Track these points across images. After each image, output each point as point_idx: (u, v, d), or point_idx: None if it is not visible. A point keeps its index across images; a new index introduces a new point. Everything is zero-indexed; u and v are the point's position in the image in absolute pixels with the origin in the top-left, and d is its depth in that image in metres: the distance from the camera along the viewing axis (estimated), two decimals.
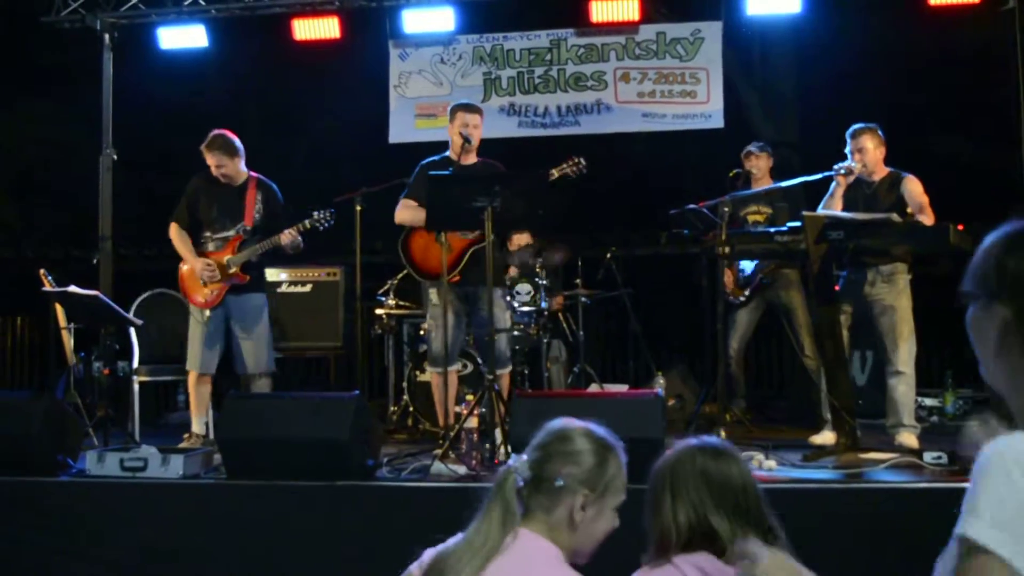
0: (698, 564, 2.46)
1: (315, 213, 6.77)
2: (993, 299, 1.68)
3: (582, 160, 6.57)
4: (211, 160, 6.85)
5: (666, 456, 2.63)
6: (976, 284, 1.73)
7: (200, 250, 6.86)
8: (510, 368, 6.75)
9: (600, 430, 2.56)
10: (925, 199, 6.45)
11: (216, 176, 6.87)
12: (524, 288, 8.09)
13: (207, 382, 6.91)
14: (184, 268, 6.87)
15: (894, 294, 6.48)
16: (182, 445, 6.41)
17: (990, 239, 1.75)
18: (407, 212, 6.55)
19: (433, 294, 6.52)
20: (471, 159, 6.64)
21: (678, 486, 2.54)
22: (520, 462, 2.49)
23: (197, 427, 6.81)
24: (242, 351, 6.85)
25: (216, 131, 6.93)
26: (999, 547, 1.48)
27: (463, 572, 2.37)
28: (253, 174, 6.98)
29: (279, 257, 7.09)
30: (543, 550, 2.41)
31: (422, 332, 8.28)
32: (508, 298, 7.30)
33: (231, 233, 6.85)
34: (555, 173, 6.55)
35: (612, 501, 2.48)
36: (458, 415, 6.18)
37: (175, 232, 6.90)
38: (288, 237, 6.68)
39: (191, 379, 6.87)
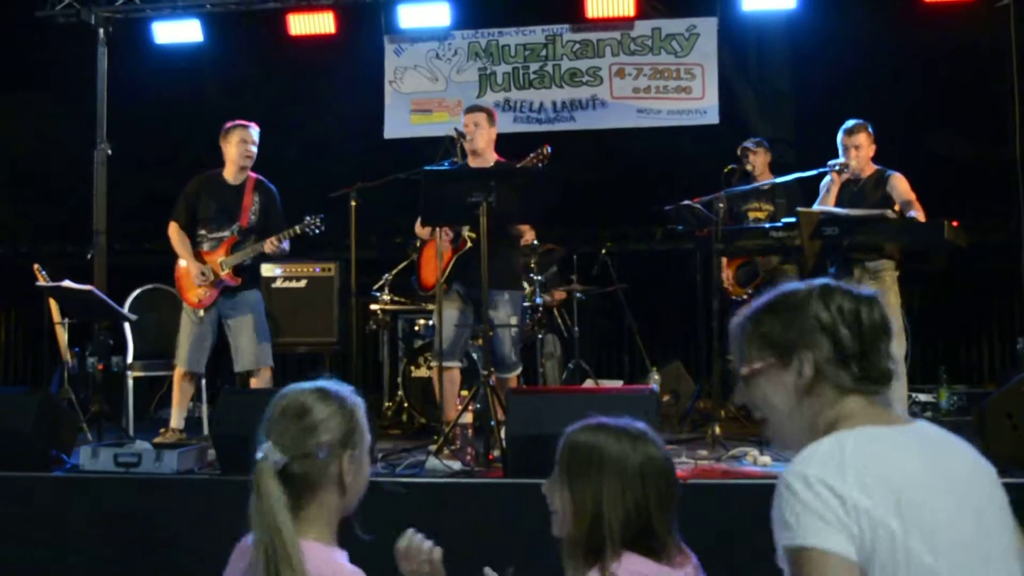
0: (641, 572, 2.32)
1: (306, 218, 6.82)
2: (793, 354, 2.03)
3: (547, 148, 6.50)
4: (249, 137, 6.88)
5: (586, 440, 2.43)
6: (770, 350, 2.07)
7: (195, 248, 6.86)
8: (518, 371, 6.70)
9: (329, 385, 2.44)
10: (913, 195, 6.44)
11: (241, 160, 6.88)
12: None
13: (193, 379, 6.94)
14: (181, 266, 6.87)
15: (881, 291, 6.45)
16: (157, 440, 6.38)
17: (752, 311, 2.12)
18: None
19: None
20: (482, 161, 6.58)
21: (614, 480, 2.35)
22: (267, 448, 2.32)
23: (176, 422, 6.80)
24: (241, 347, 6.85)
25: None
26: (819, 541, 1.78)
27: None
28: (253, 175, 6.99)
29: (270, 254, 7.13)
30: (312, 554, 2.27)
31: (417, 328, 8.29)
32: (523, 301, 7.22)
33: (226, 234, 6.85)
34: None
35: (364, 450, 2.43)
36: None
37: (175, 232, 6.90)
38: (271, 246, 6.72)
39: (177, 375, 6.87)
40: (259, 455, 2.30)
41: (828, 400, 2.02)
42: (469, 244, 6.33)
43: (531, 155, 6.50)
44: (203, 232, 6.89)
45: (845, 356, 2.01)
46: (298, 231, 6.81)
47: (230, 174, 6.95)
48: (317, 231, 6.87)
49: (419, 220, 6.51)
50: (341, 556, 2.36)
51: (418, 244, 6.88)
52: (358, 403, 2.44)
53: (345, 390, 2.45)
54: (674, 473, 2.44)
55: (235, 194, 6.91)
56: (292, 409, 2.37)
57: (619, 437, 2.42)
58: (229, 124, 6.96)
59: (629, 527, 2.33)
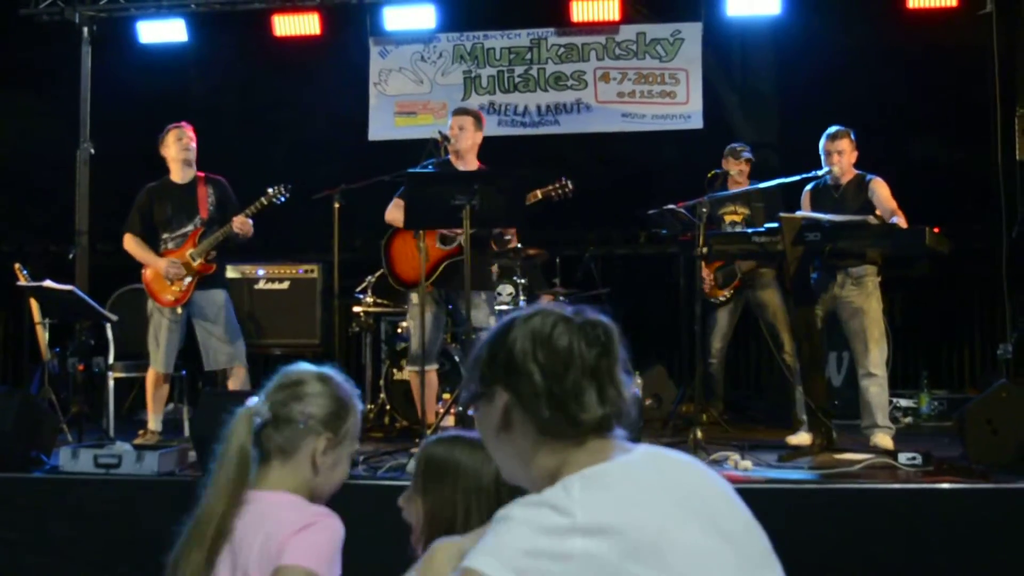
0: None
1: (269, 189, 6.86)
2: (493, 388, 1.84)
3: (569, 183, 6.55)
4: (184, 134, 6.93)
5: (441, 453, 2.47)
6: (478, 382, 1.89)
7: (159, 253, 6.87)
8: None
9: (338, 376, 2.52)
10: (894, 202, 6.48)
11: (182, 154, 6.91)
12: (505, 289, 8.10)
13: (166, 380, 6.96)
14: (147, 272, 6.87)
15: (863, 296, 6.49)
16: (136, 442, 6.37)
17: (483, 340, 1.92)
18: (396, 212, 6.52)
19: (414, 295, 6.53)
20: (464, 164, 6.57)
21: (469, 491, 2.39)
22: (258, 402, 2.43)
23: (154, 424, 6.82)
24: (213, 347, 6.86)
25: None
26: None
27: (194, 549, 2.33)
28: (200, 173, 7.03)
29: (248, 251, 7.12)
30: (284, 499, 2.37)
31: (400, 330, 8.28)
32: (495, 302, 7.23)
33: (189, 229, 6.88)
34: (538, 195, 6.55)
35: (349, 448, 2.48)
36: (438, 414, 6.18)
37: (131, 241, 6.91)
38: (240, 223, 6.75)
39: (152, 377, 6.87)
40: (249, 403, 2.41)
41: (527, 445, 1.82)
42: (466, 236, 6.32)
43: (552, 185, 6.51)
44: (165, 235, 6.92)
45: (534, 395, 1.79)
46: (265, 203, 6.84)
47: (176, 175, 6.99)
48: (283, 199, 6.88)
49: (392, 206, 6.54)
50: (309, 503, 2.40)
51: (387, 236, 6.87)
52: (353, 403, 2.50)
53: (349, 386, 2.52)
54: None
55: (188, 192, 6.95)
56: (290, 378, 2.47)
57: (473, 449, 2.44)
58: (166, 128, 7.03)
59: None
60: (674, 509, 1.69)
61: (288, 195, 6.89)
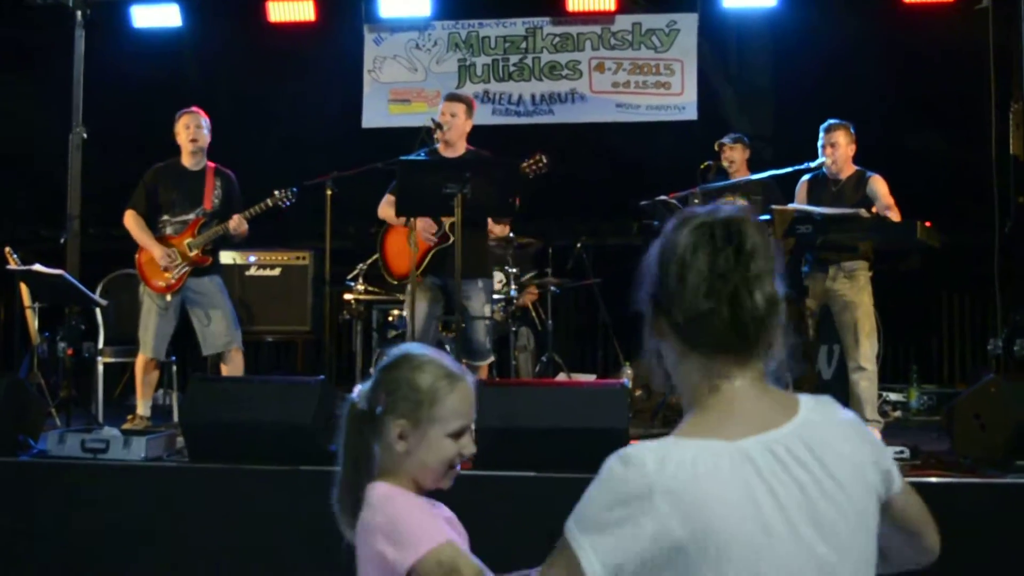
0: None
1: (276, 192, 6.90)
2: (643, 304, 1.78)
3: (543, 159, 6.53)
4: (191, 121, 6.92)
5: None
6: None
7: (158, 234, 6.86)
8: (491, 360, 6.69)
9: (448, 361, 2.40)
10: (891, 199, 6.47)
11: (188, 145, 6.92)
12: (496, 276, 8.09)
13: (156, 366, 6.95)
14: (142, 255, 6.86)
15: (855, 290, 6.48)
16: (125, 427, 6.36)
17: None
18: (388, 208, 6.52)
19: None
20: (453, 151, 6.55)
21: None
22: (360, 390, 2.40)
23: (142, 410, 6.82)
24: (210, 330, 6.89)
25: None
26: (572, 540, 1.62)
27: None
28: (211, 163, 7.03)
29: (242, 240, 7.13)
30: (376, 492, 2.32)
31: (391, 318, 8.27)
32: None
33: (191, 216, 6.88)
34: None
35: (438, 430, 2.32)
36: None
37: (132, 219, 6.89)
38: (235, 221, 6.80)
39: (141, 362, 6.86)
40: (356, 391, 2.41)
41: (694, 365, 1.73)
42: (452, 239, 6.31)
43: (527, 161, 6.50)
44: (166, 218, 6.91)
45: (665, 295, 1.71)
46: (269, 205, 6.90)
47: (186, 160, 7.00)
48: (289, 203, 6.90)
49: (383, 202, 6.55)
50: (407, 495, 2.34)
51: (376, 230, 6.87)
52: (439, 385, 2.33)
53: (440, 366, 2.37)
54: None
55: (196, 180, 6.95)
56: (385, 362, 2.40)
57: None
58: (178, 112, 7.01)
59: None
60: (754, 512, 1.60)
61: (294, 200, 6.90)
